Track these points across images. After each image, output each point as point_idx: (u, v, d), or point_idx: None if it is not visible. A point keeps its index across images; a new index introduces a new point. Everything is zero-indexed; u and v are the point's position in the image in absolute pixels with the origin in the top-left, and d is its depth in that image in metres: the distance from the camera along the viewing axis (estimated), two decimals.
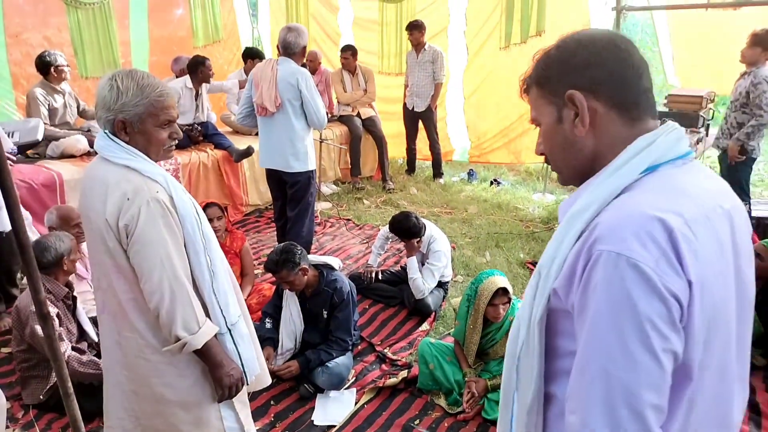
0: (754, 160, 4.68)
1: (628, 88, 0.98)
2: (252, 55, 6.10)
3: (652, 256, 0.82)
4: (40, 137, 4.51)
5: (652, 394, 0.82)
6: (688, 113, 5.48)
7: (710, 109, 5.78)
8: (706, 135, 5.54)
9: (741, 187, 4.67)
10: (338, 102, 6.62)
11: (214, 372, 1.82)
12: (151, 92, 1.71)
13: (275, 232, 4.64)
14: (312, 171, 4.19)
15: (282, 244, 3.25)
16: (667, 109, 5.65)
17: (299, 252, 3.10)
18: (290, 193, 4.20)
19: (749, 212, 4.59)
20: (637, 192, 0.92)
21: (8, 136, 4.31)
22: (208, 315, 1.79)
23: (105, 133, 1.73)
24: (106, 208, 1.65)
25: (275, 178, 4.25)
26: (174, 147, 1.82)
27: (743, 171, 4.66)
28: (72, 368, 2.65)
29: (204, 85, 5.59)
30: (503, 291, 2.89)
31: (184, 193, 1.78)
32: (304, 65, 4.20)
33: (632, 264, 0.82)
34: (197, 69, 5.38)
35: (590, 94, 0.98)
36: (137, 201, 1.64)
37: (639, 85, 0.98)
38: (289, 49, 3.97)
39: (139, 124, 1.71)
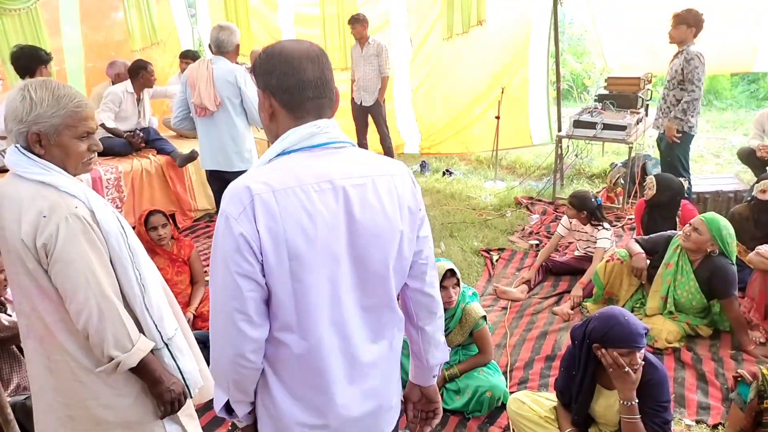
0: (692, 137, 4.82)
1: (291, 95, 1.29)
2: (187, 57, 5.95)
3: (237, 210, 1.22)
4: None
5: (235, 303, 1.24)
6: (627, 95, 5.61)
7: (648, 89, 5.93)
8: (646, 115, 5.68)
9: (681, 164, 4.82)
10: None
11: (154, 389, 1.76)
12: (69, 102, 1.63)
13: None
14: None
15: None
16: (607, 92, 5.76)
17: None
18: None
19: (689, 188, 4.74)
20: (261, 168, 1.29)
21: None
22: (142, 331, 1.73)
23: (16, 147, 1.64)
24: (21, 227, 1.56)
25: (219, 180, 4.15)
26: (92, 160, 1.74)
27: (682, 148, 4.80)
28: None
29: (146, 90, 5.42)
30: (451, 272, 2.90)
31: (106, 207, 1.70)
32: (238, 64, 4.11)
33: (225, 216, 1.23)
34: (138, 73, 5.22)
35: (271, 94, 1.31)
36: (54, 218, 1.56)
37: (302, 94, 1.29)
38: (222, 47, 3.90)
39: (56, 136, 1.63)
